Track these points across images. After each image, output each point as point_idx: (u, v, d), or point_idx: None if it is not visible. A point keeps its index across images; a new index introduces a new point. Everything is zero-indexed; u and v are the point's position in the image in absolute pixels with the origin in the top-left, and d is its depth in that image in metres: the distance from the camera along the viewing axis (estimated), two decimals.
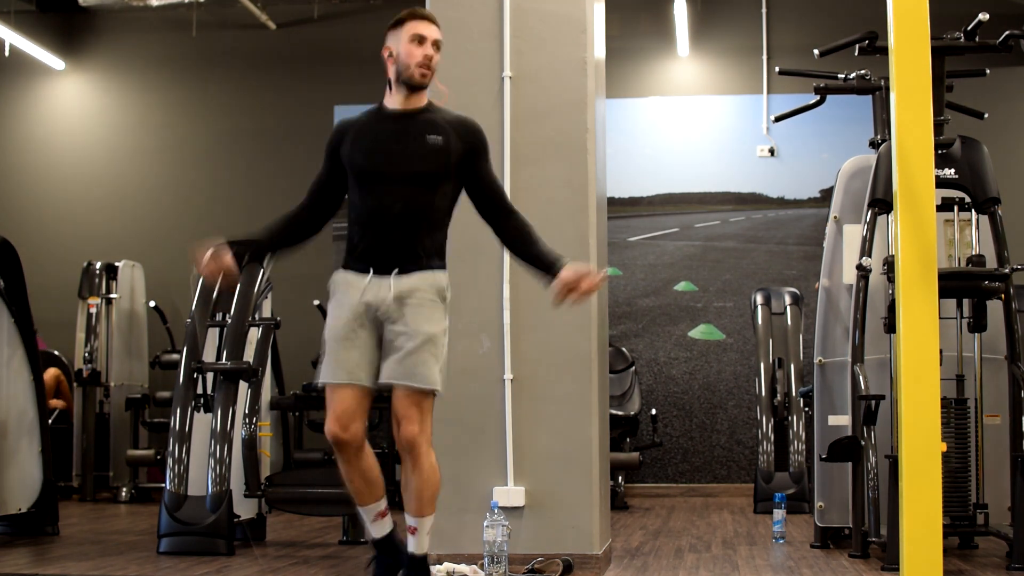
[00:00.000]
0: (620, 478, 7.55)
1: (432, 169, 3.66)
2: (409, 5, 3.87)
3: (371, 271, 3.66)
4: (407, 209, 3.65)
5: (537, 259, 3.70)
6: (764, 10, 8.88)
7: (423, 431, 3.60)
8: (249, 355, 5.64)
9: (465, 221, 3.92)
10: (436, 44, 3.70)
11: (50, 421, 6.33)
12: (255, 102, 9.27)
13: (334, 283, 3.74)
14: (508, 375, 4.69)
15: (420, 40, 3.66)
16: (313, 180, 3.84)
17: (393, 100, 3.73)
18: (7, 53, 8.88)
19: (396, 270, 3.64)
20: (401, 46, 3.67)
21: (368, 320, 3.65)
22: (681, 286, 8.85)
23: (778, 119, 6.39)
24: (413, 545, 3.73)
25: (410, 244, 3.66)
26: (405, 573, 3.76)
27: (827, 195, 7.10)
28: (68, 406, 8.26)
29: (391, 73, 3.72)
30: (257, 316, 5.79)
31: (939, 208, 4.93)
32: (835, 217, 5.48)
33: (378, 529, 3.78)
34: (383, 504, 3.77)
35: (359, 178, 3.70)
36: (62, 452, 7.91)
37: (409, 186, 3.65)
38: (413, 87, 3.69)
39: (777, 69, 6.51)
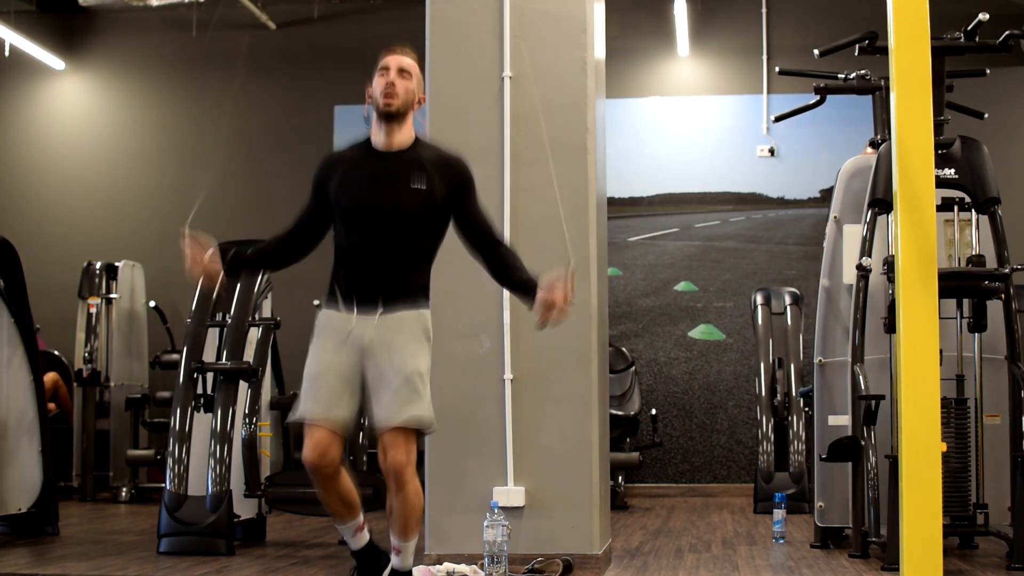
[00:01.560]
0: (620, 478, 7.55)
1: (417, 210, 3.68)
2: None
3: (355, 310, 3.68)
4: (392, 249, 3.68)
5: (521, 286, 3.71)
6: (764, 10, 8.88)
7: (410, 460, 3.62)
8: (249, 355, 5.64)
9: (447, 230, 3.92)
10: (401, 71, 3.69)
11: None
12: (255, 102, 9.27)
13: (319, 322, 3.78)
14: (508, 375, 4.69)
15: (383, 71, 3.70)
16: (300, 209, 3.87)
17: (376, 136, 3.75)
18: (7, 53, 8.89)
19: (381, 310, 3.66)
20: (373, 83, 3.73)
21: (351, 358, 3.66)
22: (681, 286, 8.85)
23: (778, 119, 6.39)
24: (397, 563, 3.79)
25: (395, 282, 3.68)
26: None
27: (827, 195, 7.10)
28: (67, 409, 8.25)
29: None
30: (257, 316, 5.79)
31: (939, 208, 4.93)
32: (835, 217, 5.48)
33: (357, 541, 3.85)
34: (361, 518, 3.84)
35: (344, 217, 3.74)
36: (62, 452, 7.91)
37: (394, 227, 3.68)
38: (385, 116, 3.69)
39: (777, 69, 6.52)
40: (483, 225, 3.80)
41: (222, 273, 3.84)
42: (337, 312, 3.72)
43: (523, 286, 3.70)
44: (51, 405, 8.18)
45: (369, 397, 3.66)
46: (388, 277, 3.68)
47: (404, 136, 3.73)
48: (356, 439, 6.24)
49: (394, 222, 3.67)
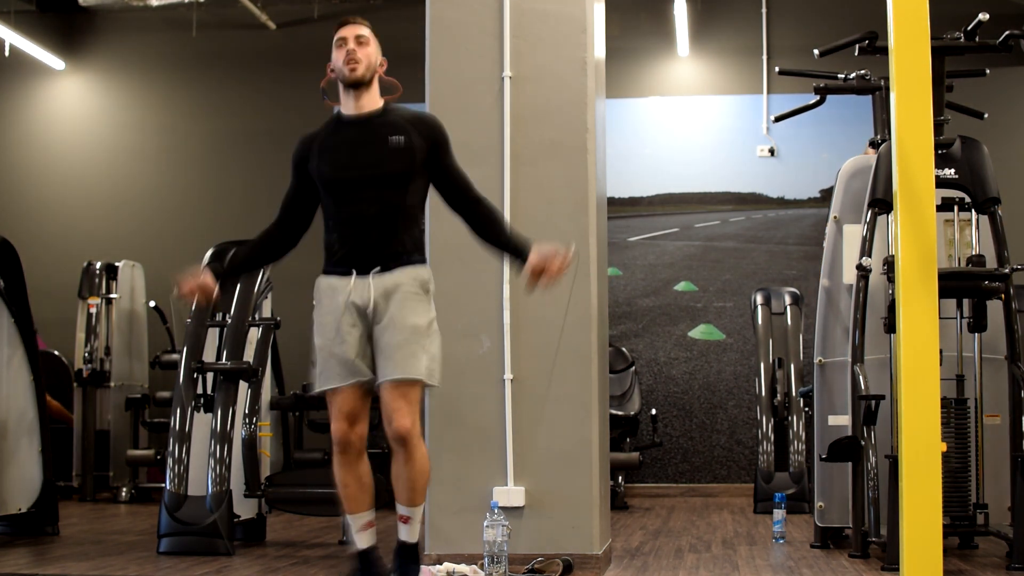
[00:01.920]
0: (620, 478, 7.55)
1: (399, 169, 3.73)
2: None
3: (353, 272, 3.72)
4: (381, 210, 3.72)
5: (507, 245, 3.78)
6: (764, 10, 8.88)
7: (414, 423, 3.65)
8: (249, 355, 5.65)
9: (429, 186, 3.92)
10: (359, 39, 3.80)
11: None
12: (255, 102, 9.26)
13: (318, 290, 3.80)
14: (508, 375, 4.69)
15: (341, 43, 3.82)
16: (284, 197, 3.93)
17: (346, 107, 3.84)
18: (7, 53, 8.89)
19: (378, 268, 3.70)
20: (333, 57, 3.84)
21: (355, 319, 3.70)
22: (681, 286, 8.85)
23: (778, 119, 6.39)
24: (405, 534, 3.78)
25: (389, 243, 3.72)
26: (398, 562, 3.80)
27: (827, 195, 7.11)
28: (64, 417, 8.22)
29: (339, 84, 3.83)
30: (257, 316, 5.79)
31: (939, 208, 4.93)
32: (835, 217, 5.48)
33: (364, 540, 3.81)
34: (372, 514, 3.82)
35: (329, 187, 3.78)
36: (62, 452, 7.91)
37: (379, 188, 3.72)
38: (352, 85, 3.79)
39: (777, 69, 6.51)
40: (462, 181, 3.84)
41: (217, 289, 3.86)
42: (335, 278, 3.75)
43: (509, 246, 3.76)
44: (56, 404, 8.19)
45: (374, 357, 3.69)
46: (380, 238, 3.72)
47: (373, 102, 3.83)
48: None
49: (378, 180, 3.72)
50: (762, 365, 7.57)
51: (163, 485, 5.42)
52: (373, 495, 3.81)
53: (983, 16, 4.78)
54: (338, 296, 3.72)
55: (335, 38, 3.83)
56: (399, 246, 3.73)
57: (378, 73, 3.85)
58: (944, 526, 3.67)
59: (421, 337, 3.67)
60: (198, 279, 3.81)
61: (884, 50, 4.36)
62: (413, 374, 3.63)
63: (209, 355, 5.65)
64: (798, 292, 7.92)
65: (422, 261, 3.80)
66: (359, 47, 3.79)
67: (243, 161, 9.21)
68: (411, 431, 3.63)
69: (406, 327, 3.65)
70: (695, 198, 8.95)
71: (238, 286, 5.74)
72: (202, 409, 5.49)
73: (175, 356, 7.80)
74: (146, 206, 9.26)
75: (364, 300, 3.69)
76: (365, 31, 3.83)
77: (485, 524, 4.21)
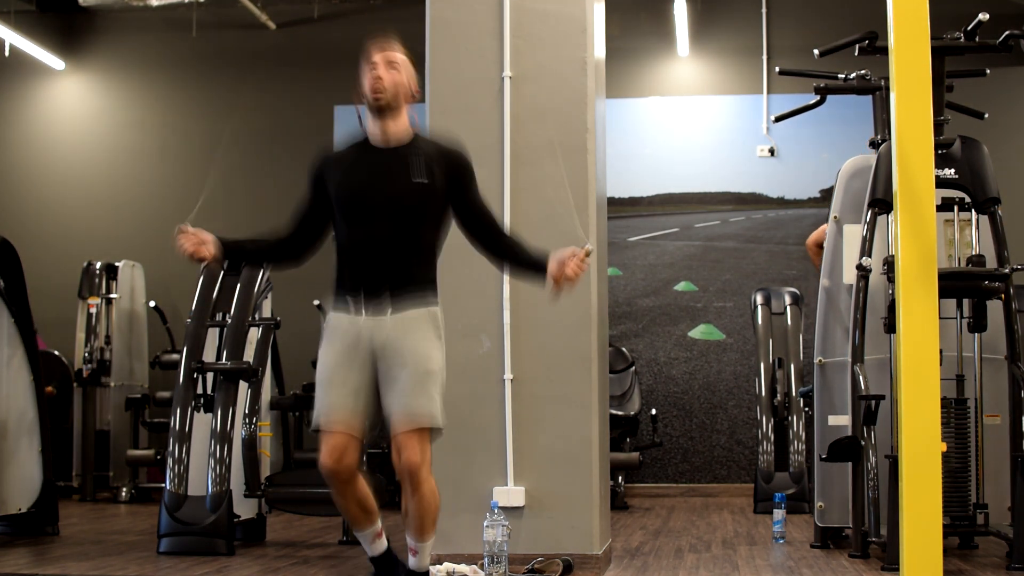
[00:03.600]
0: (620, 478, 7.55)
1: (419, 203, 3.64)
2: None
3: (364, 309, 3.63)
4: (396, 243, 3.63)
5: (527, 266, 3.71)
6: (764, 10, 8.88)
7: (424, 460, 3.58)
8: (249, 355, 5.64)
9: (450, 222, 3.92)
10: (390, 64, 3.65)
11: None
12: (255, 102, 9.27)
13: (328, 325, 3.72)
14: (508, 375, 4.69)
15: (371, 66, 3.65)
16: (296, 209, 3.80)
17: (373, 132, 3.70)
18: (7, 53, 8.89)
19: (390, 308, 3.62)
20: (362, 79, 3.67)
21: (362, 359, 3.62)
22: (681, 286, 8.85)
23: (778, 119, 6.39)
24: (414, 564, 3.75)
25: (401, 278, 3.63)
26: None
27: (827, 195, 7.10)
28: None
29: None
30: (257, 316, 5.79)
31: (939, 208, 4.93)
32: (835, 217, 5.48)
33: (376, 548, 3.79)
34: (379, 524, 3.79)
35: (345, 214, 3.67)
36: (62, 452, 7.91)
37: (397, 221, 3.63)
38: (377, 110, 3.65)
39: (777, 69, 6.51)
40: (485, 216, 3.77)
41: (220, 258, 3.73)
42: (345, 314, 3.66)
43: (531, 265, 3.68)
44: (48, 388, 8.18)
45: (383, 398, 3.62)
46: (394, 274, 3.62)
47: (400, 130, 3.69)
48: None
49: (396, 216, 3.62)
50: (762, 365, 7.57)
51: (163, 485, 5.41)
52: (376, 507, 3.77)
53: (983, 16, 4.78)
54: (348, 334, 3.63)
55: (366, 59, 3.66)
56: (412, 284, 3.63)
57: (408, 101, 3.70)
58: (944, 526, 3.67)
59: (434, 382, 3.60)
60: (204, 247, 3.62)
61: (884, 50, 4.35)
62: (430, 422, 3.58)
63: (209, 355, 5.65)
64: (798, 292, 7.92)
65: (435, 302, 3.69)
66: (387, 72, 3.63)
67: (243, 161, 9.21)
68: (420, 467, 3.56)
69: (420, 371, 3.57)
70: (695, 198, 8.95)
71: (238, 286, 5.74)
72: (202, 409, 5.49)
73: (175, 356, 7.80)
74: (146, 206, 9.26)
75: (375, 340, 3.60)
76: (397, 57, 3.67)
77: (485, 524, 4.21)
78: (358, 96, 3.70)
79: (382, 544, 3.80)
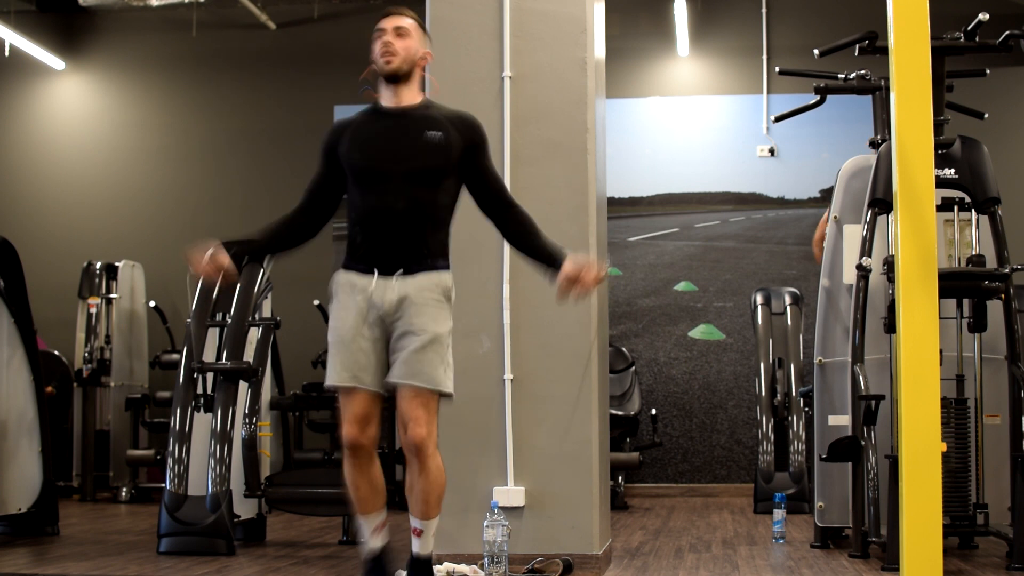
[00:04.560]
0: (620, 478, 7.55)
1: (433, 165, 3.64)
2: (408, 5, 3.88)
3: (375, 272, 3.62)
4: (410, 207, 3.61)
5: (539, 252, 3.70)
6: (764, 10, 8.88)
7: (430, 433, 3.56)
8: (249, 355, 5.64)
9: (465, 220, 3.92)
10: (398, 30, 3.68)
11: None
12: (255, 102, 9.27)
13: (336, 284, 3.70)
14: (508, 375, 4.69)
15: (380, 33, 3.69)
16: (309, 182, 3.80)
17: (384, 98, 3.73)
18: (7, 53, 8.89)
19: (401, 270, 3.61)
20: (373, 48, 3.71)
21: (374, 321, 3.61)
22: (681, 286, 8.85)
23: (778, 119, 6.39)
24: (418, 546, 3.71)
25: (414, 243, 3.63)
26: (410, 574, 3.75)
27: (827, 195, 7.10)
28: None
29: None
30: (257, 316, 5.79)
31: (939, 208, 4.93)
32: (835, 217, 5.48)
33: (375, 541, 3.73)
34: (384, 515, 3.74)
35: (358, 177, 3.67)
36: (62, 452, 7.91)
37: (411, 183, 3.62)
38: (388, 77, 3.68)
39: (777, 69, 6.51)
40: (497, 184, 3.78)
41: (237, 271, 3.75)
42: (357, 275, 3.64)
43: (541, 253, 3.67)
44: (48, 388, 8.18)
45: (390, 360, 3.60)
46: (406, 237, 3.62)
47: (413, 95, 3.72)
48: None
49: (410, 176, 3.62)
50: (762, 365, 7.57)
51: (163, 485, 5.42)
52: (385, 496, 3.74)
53: (983, 16, 4.78)
54: (358, 295, 3.62)
55: (376, 28, 3.71)
56: (424, 248, 3.63)
57: (419, 66, 3.73)
58: (944, 526, 3.67)
59: (441, 347, 3.59)
60: (217, 262, 3.63)
61: (884, 50, 4.36)
62: (434, 384, 3.56)
63: (209, 355, 5.65)
64: (798, 292, 7.92)
65: (446, 267, 3.69)
66: (397, 39, 3.66)
67: (243, 161, 9.21)
68: (426, 441, 3.54)
69: (427, 335, 3.56)
70: (695, 198, 8.95)
71: (238, 286, 5.74)
72: (202, 409, 5.49)
73: (175, 356, 7.81)
74: (146, 206, 9.26)
75: (386, 302, 3.59)
76: (406, 22, 3.70)
77: (485, 524, 4.21)
78: (368, 69, 3.72)
79: (383, 538, 3.74)
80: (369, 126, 3.72)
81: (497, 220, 3.79)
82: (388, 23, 3.70)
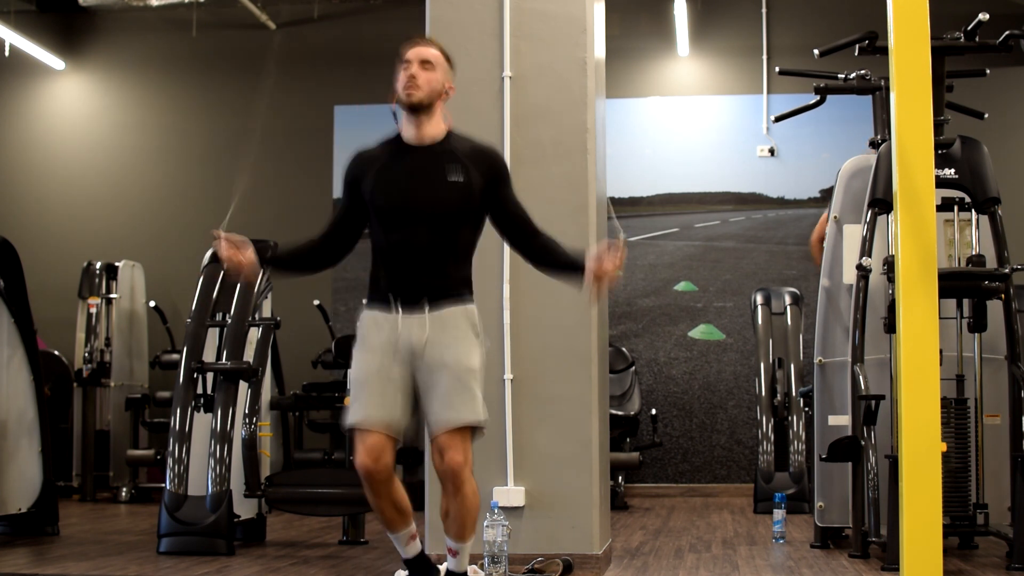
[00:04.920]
0: (620, 478, 7.55)
1: (456, 208, 3.63)
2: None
3: (400, 309, 3.61)
4: (433, 244, 3.61)
5: (563, 265, 3.69)
6: (764, 10, 8.88)
7: (467, 460, 3.56)
8: (249, 355, 5.64)
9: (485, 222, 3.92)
10: (423, 63, 3.63)
11: None
12: (255, 102, 9.26)
13: (362, 324, 3.69)
14: (508, 375, 4.69)
15: (405, 64, 3.64)
16: (334, 213, 3.80)
17: (407, 131, 3.69)
18: (7, 53, 8.89)
19: (427, 306, 3.60)
20: (397, 77, 3.67)
21: (400, 359, 3.59)
22: (681, 286, 8.85)
23: (778, 119, 6.39)
24: (453, 565, 3.74)
25: (438, 278, 3.62)
26: None
27: (827, 195, 7.10)
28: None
29: None
30: (257, 316, 5.79)
31: (939, 208, 4.93)
32: (835, 217, 5.48)
33: (410, 551, 3.77)
34: (413, 527, 3.76)
35: (380, 216, 3.65)
36: (62, 452, 7.91)
37: (433, 223, 3.61)
38: (410, 108, 3.64)
39: (777, 69, 6.52)
40: (521, 216, 3.75)
41: (261, 272, 3.75)
42: (382, 313, 3.63)
43: (568, 266, 3.66)
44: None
45: (422, 399, 3.60)
46: (431, 274, 3.61)
47: (435, 128, 3.68)
48: None
49: (433, 217, 3.61)
50: (762, 365, 7.57)
51: (163, 485, 5.41)
52: (411, 512, 3.74)
53: (983, 16, 4.78)
54: (383, 332, 3.60)
55: (401, 57, 3.65)
56: (449, 282, 3.62)
57: (442, 99, 3.69)
58: (944, 526, 3.67)
59: (475, 380, 3.59)
60: (244, 253, 3.59)
61: (884, 50, 4.35)
62: (473, 420, 3.57)
63: (209, 355, 5.65)
64: (798, 292, 7.93)
65: (471, 301, 3.69)
66: (422, 70, 3.62)
67: (242, 161, 9.20)
68: (463, 468, 3.55)
69: (462, 370, 3.56)
70: (695, 198, 8.95)
71: (238, 286, 5.74)
72: (202, 409, 5.49)
73: (175, 356, 7.80)
74: (146, 206, 9.26)
75: (413, 338, 3.58)
76: (432, 54, 3.66)
77: (485, 524, 4.21)
78: (392, 95, 3.68)
79: (416, 546, 3.77)
80: (393, 163, 3.68)
81: (521, 250, 3.78)
82: (414, 54, 3.65)
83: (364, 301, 3.73)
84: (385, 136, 3.78)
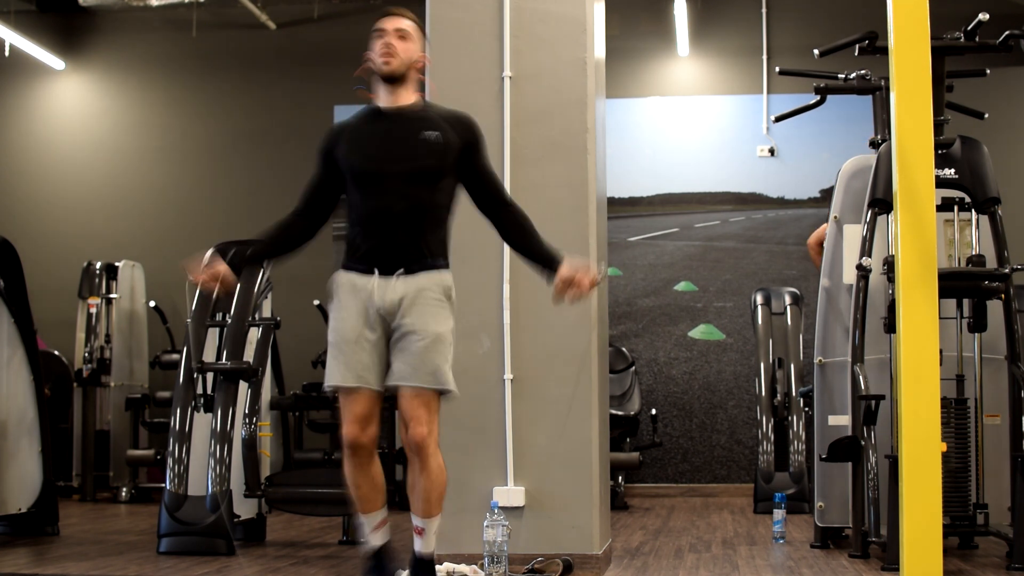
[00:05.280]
0: (620, 478, 7.55)
1: (431, 166, 3.66)
2: (408, 5, 3.88)
3: (375, 272, 3.64)
4: (409, 207, 3.63)
5: (537, 254, 3.73)
6: (764, 10, 8.88)
7: (431, 432, 3.58)
8: (249, 355, 5.64)
9: (465, 220, 3.93)
10: (399, 32, 3.70)
11: None
12: (255, 102, 9.27)
13: (336, 284, 3.71)
14: (508, 375, 4.69)
15: (380, 34, 3.71)
16: (306, 185, 3.82)
17: (381, 99, 3.75)
18: (7, 53, 8.89)
19: (401, 270, 3.63)
20: (371, 48, 3.73)
21: (375, 321, 3.62)
22: (681, 286, 8.85)
23: (778, 119, 6.39)
24: (420, 545, 3.73)
25: (414, 243, 3.64)
26: (413, 573, 3.76)
27: (827, 195, 7.10)
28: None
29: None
30: (257, 316, 5.79)
31: (939, 208, 4.93)
32: (835, 217, 5.48)
33: (377, 538, 3.75)
34: (384, 513, 3.76)
35: (357, 179, 3.69)
36: (62, 452, 7.91)
37: (409, 184, 3.64)
38: (386, 78, 3.70)
39: (777, 69, 6.52)
40: (494, 183, 3.80)
41: (236, 279, 3.78)
42: (357, 275, 3.66)
43: (539, 255, 3.70)
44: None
45: (392, 360, 3.62)
46: (406, 237, 3.63)
47: (409, 96, 3.74)
48: None
49: (408, 177, 3.64)
50: (762, 365, 7.57)
51: (163, 485, 5.42)
52: (385, 494, 3.75)
53: (983, 16, 4.78)
54: (359, 295, 3.63)
55: (374, 28, 3.73)
56: (424, 247, 3.65)
57: (416, 68, 3.75)
58: (944, 526, 3.67)
59: (443, 346, 3.61)
60: (212, 269, 3.68)
61: (884, 50, 4.35)
62: (438, 384, 3.59)
63: (209, 355, 5.65)
64: (798, 292, 7.93)
65: (446, 266, 3.71)
66: (397, 40, 3.69)
67: (243, 161, 9.21)
68: (427, 439, 3.57)
69: (429, 334, 3.58)
70: (695, 198, 8.95)
71: (238, 286, 5.73)
72: (202, 409, 5.49)
73: (175, 356, 7.81)
74: (146, 206, 9.26)
75: (387, 303, 3.61)
76: (406, 24, 3.73)
77: (485, 524, 4.21)
78: (363, 67, 3.73)
79: (385, 534, 3.76)
80: (367, 128, 3.74)
81: (494, 219, 3.81)
82: (389, 24, 3.72)
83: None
84: (361, 110, 3.81)
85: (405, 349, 3.59)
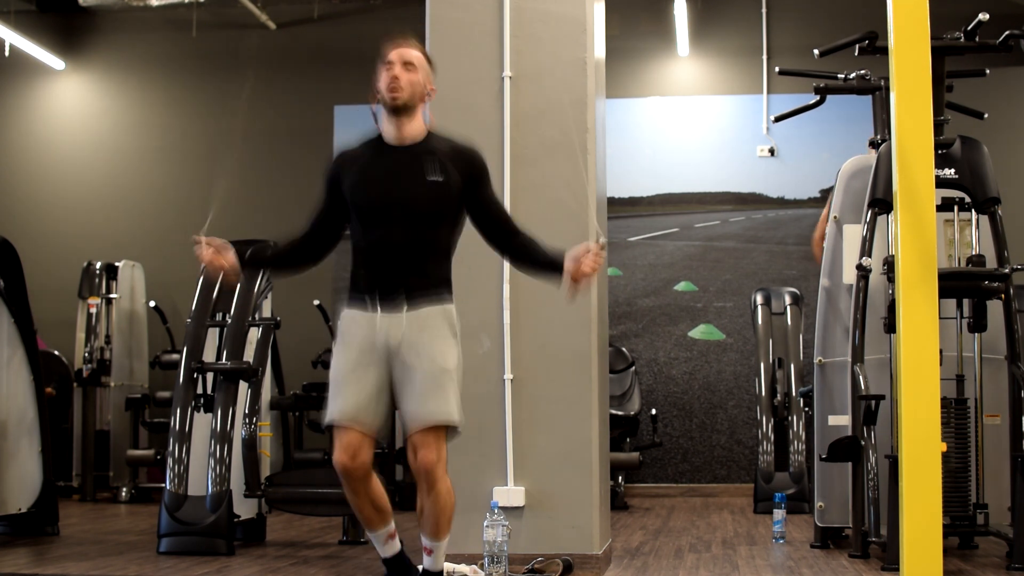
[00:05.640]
0: (620, 478, 7.55)
1: (435, 208, 3.66)
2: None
3: (379, 308, 3.64)
4: (412, 244, 3.65)
5: (542, 265, 3.72)
6: (764, 10, 8.88)
7: (440, 459, 3.60)
8: (249, 355, 5.64)
9: (464, 221, 3.92)
10: (407, 65, 3.66)
11: None
12: (255, 102, 9.27)
13: (342, 322, 3.72)
14: (508, 375, 4.69)
15: (387, 65, 3.67)
16: (313, 211, 3.82)
17: (387, 131, 3.73)
18: (7, 53, 8.89)
19: (406, 306, 3.63)
20: (378, 77, 3.70)
21: (378, 358, 3.63)
22: (681, 286, 8.85)
23: (778, 119, 6.39)
24: (429, 563, 3.76)
25: (417, 277, 3.65)
26: None
27: (827, 195, 7.10)
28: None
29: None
30: (257, 316, 5.79)
31: (939, 208, 4.93)
32: (835, 217, 5.48)
33: (388, 550, 3.79)
34: (392, 526, 3.79)
35: (361, 214, 3.69)
36: (62, 452, 7.91)
37: (412, 221, 3.65)
38: (393, 110, 3.67)
39: (777, 69, 6.52)
40: (500, 215, 3.80)
41: (241, 272, 3.79)
42: (361, 312, 3.66)
43: (547, 265, 3.69)
44: (48, 389, 8.18)
45: (398, 397, 3.64)
46: (409, 273, 3.64)
47: (415, 129, 3.71)
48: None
49: (412, 216, 3.64)
50: (762, 365, 7.57)
51: (163, 485, 5.42)
52: (390, 510, 3.78)
53: (983, 16, 4.78)
54: (363, 331, 3.64)
55: (384, 58, 3.68)
56: (428, 281, 3.65)
57: (424, 101, 3.72)
58: (944, 526, 3.67)
59: (451, 381, 3.63)
60: (223, 256, 3.67)
61: (884, 50, 4.35)
62: (446, 419, 3.60)
63: (209, 355, 5.65)
64: (798, 292, 7.93)
65: (450, 299, 3.72)
66: (404, 72, 3.65)
67: (243, 161, 9.20)
68: (436, 466, 3.59)
69: (437, 370, 3.60)
70: (695, 198, 8.95)
71: (238, 286, 5.74)
72: (202, 409, 5.49)
73: (175, 356, 7.80)
74: (146, 206, 9.26)
75: (391, 338, 3.61)
76: (414, 56, 3.69)
77: (485, 524, 4.21)
78: (373, 95, 3.71)
79: (395, 546, 3.80)
80: (373, 163, 3.72)
81: (501, 247, 3.82)
82: (396, 55, 3.68)
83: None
84: (366, 135, 3.80)
85: (414, 387, 3.60)
